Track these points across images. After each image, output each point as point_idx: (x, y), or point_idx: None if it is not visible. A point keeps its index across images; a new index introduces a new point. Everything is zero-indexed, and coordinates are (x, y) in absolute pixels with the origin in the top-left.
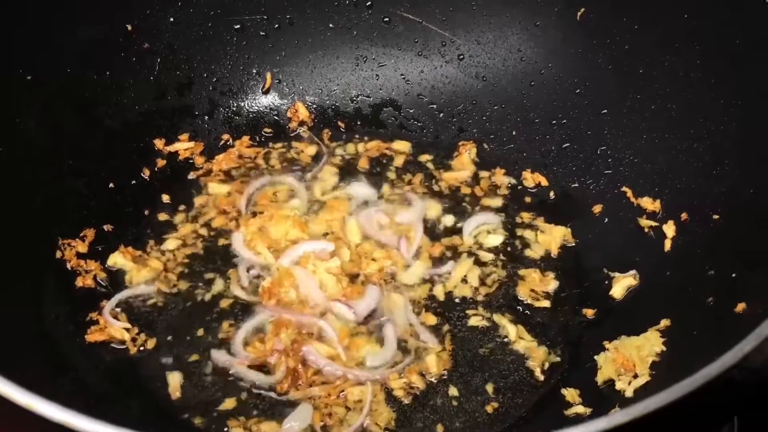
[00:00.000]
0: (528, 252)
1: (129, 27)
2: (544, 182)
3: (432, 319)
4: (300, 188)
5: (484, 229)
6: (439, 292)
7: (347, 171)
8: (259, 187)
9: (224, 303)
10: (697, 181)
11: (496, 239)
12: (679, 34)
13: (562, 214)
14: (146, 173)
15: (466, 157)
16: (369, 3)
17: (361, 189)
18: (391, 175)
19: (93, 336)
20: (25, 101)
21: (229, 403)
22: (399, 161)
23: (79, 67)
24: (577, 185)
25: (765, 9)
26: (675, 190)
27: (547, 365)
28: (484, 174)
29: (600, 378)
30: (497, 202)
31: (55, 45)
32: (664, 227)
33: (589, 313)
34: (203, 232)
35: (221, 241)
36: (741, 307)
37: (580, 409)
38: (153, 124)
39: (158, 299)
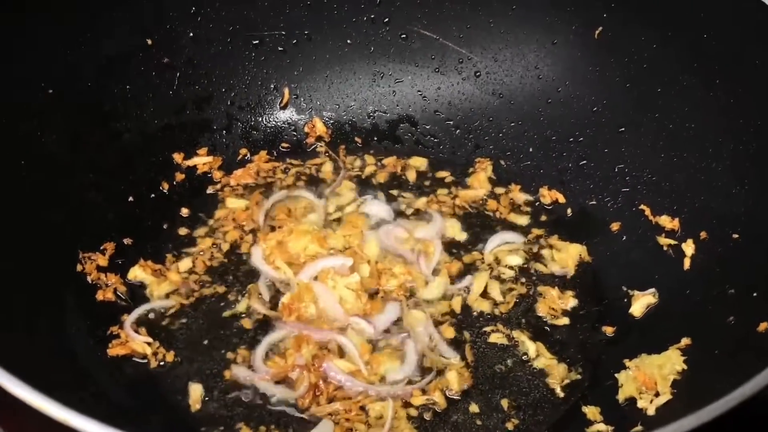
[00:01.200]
0: (546, 269)
1: (149, 41)
2: (562, 199)
3: (451, 333)
4: (317, 203)
5: (506, 248)
6: (457, 304)
7: (364, 186)
8: (277, 201)
9: (244, 318)
10: (716, 200)
11: (516, 260)
12: (698, 54)
13: (580, 231)
14: (165, 187)
15: (482, 175)
16: (386, 19)
17: (378, 207)
18: (409, 190)
19: (115, 350)
20: (46, 115)
21: (249, 419)
22: (415, 177)
23: (99, 81)
24: (594, 203)
25: None
26: (694, 209)
27: (567, 383)
28: (500, 190)
29: (621, 396)
30: (523, 220)
31: (76, 59)
32: (683, 246)
33: (609, 330)
34: (222, 246)
35: (240, 256)
36: (764, 326)
37: (601, 427)
38: (172, 138)
39: (178, 313)
